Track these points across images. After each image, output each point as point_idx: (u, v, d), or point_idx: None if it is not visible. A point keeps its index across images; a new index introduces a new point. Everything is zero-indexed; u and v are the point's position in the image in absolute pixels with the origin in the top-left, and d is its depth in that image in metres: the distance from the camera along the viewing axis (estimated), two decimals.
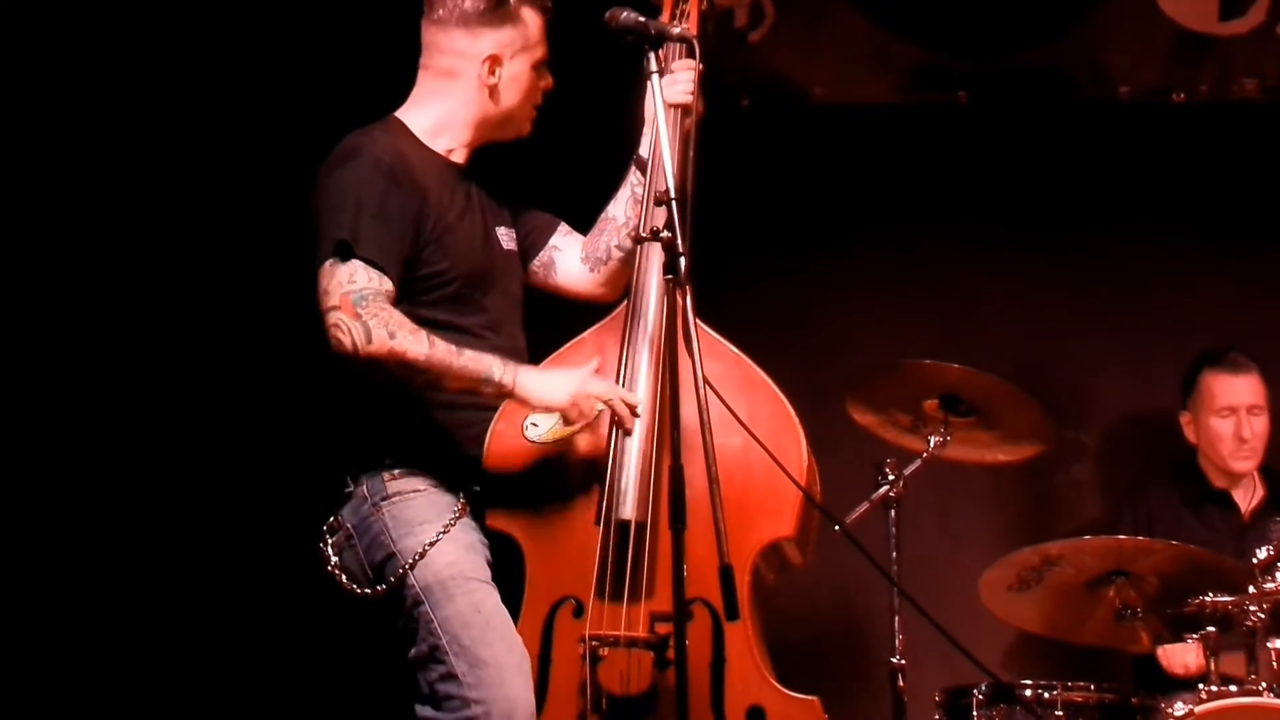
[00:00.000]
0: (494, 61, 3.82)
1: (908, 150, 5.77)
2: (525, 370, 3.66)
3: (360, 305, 3.52)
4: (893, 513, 4.79)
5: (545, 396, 3.64)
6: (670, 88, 3.81)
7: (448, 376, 3.58)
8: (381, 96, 3.93)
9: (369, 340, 3.51)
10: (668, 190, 3.39)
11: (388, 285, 3.58)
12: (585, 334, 3.87)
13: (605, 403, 3.67)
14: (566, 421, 3.67)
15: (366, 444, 3.72)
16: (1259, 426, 5.21)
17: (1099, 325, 5.75)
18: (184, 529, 5.38)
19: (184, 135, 5.50)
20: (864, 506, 4.75)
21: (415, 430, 3.70)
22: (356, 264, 3.55)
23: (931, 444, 4.79)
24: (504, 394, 3.63)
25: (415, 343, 3.54)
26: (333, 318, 3.53)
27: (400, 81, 3.94)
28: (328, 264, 3.57)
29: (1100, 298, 5.76)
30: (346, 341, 3.52)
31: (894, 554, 4.76)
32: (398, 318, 3.55)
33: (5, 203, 5.40)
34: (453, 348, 3.58)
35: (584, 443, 3.72)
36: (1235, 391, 5.20)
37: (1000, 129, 5.78)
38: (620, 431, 3.69)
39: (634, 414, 3.67)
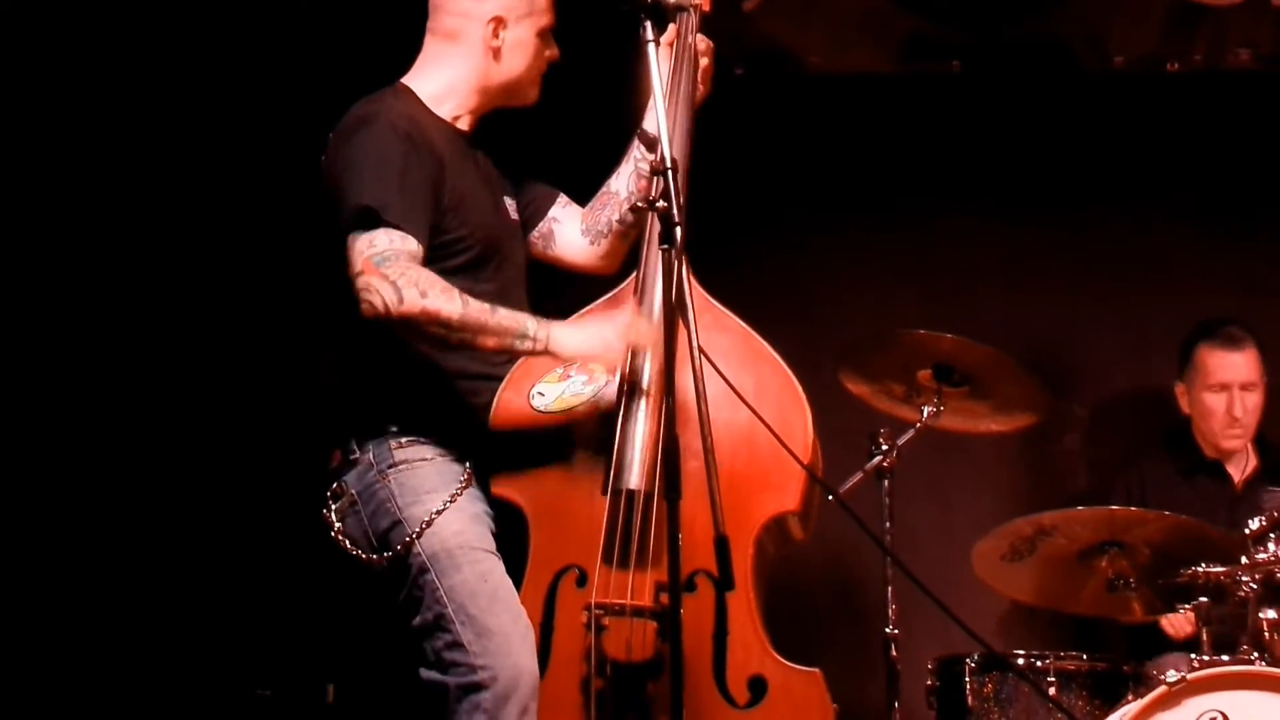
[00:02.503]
0: (498, 23, 3.80)
1: (902, 120, 5.77)
2: (557, 325, 3.64)
3: (384, 266, 3.51)
4: (886, 483, 4.81)
5: (578, 348, 3.62)
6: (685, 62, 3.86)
7: (484, 333, 3.56)
8: (372, 74, 3.91)
9: (400, 300, 3.50)
10: (663, 159, 3.38)
11: (412, 245, 3.56)
12: (594, 305, 3.85)
13: (633, 340, 3.64)
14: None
15: (372, 411, 3.71)
16: (1251, 403, 5.18)
17: (1093, 295, 5.76)
18: (191, 495, 5.38)
19: (172, 106, 5.48)
20: (857, 476, 4.77)
21: (422, 398, 3.69)
22: (379, 230, 3.54)
23: (925, 414, 4.81)
24: (539, 350, 3.61)
25: (448, 301, 3.52)
26: (360, 283, 3.51)
27: (390, 55, 3.93)
28: (352, 233, 3.55)
29: (1094, 268, 5.77)
30: (378, 303, 3.50)
31: (887, 524, 4.79)
32: (428, 276, 3.53)
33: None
34: (485, 305, 3.57)
35: (590, 413, 3.72)
36: (1230, 368, 5.18)
37: (994, 99, 5.78)
38: (631, 397, 3.68)
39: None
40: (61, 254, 5.42)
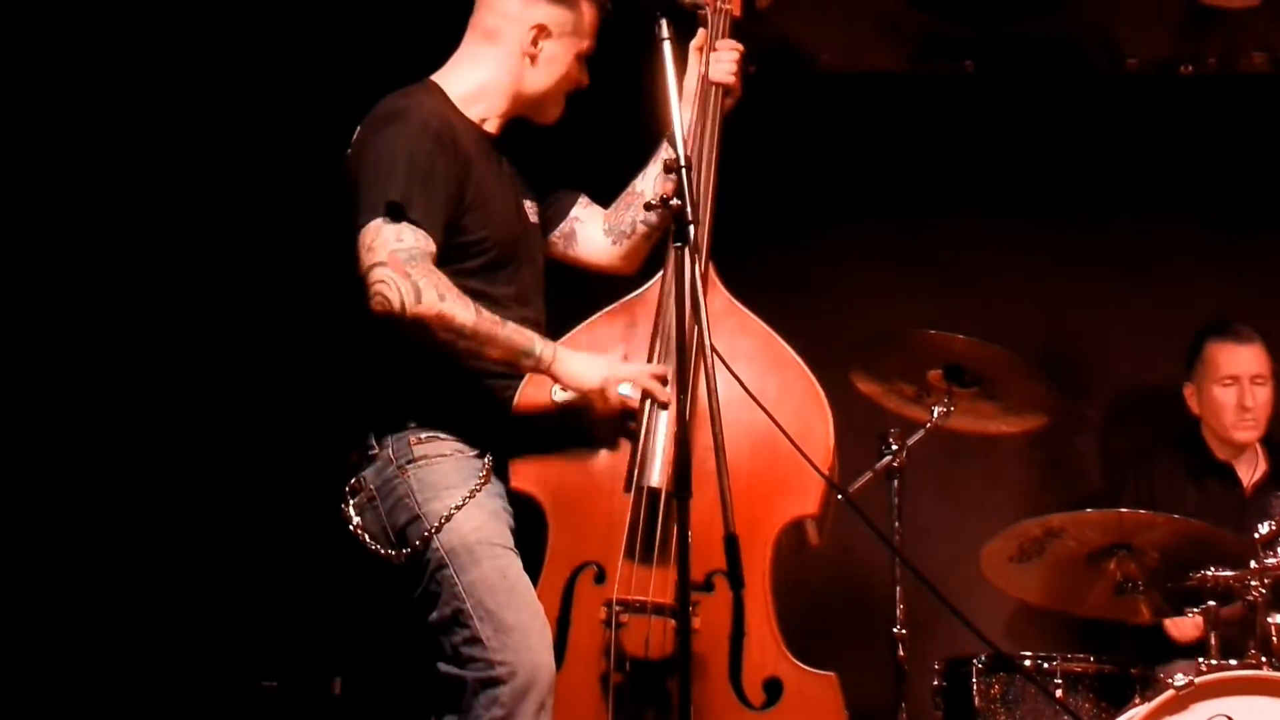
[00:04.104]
0: (540, 31, 3.80)
1: (914, 119, 5.76)
2: (564, 349, 3.65)
3: (410, 265, 3.50)
4: (895, 483, 4.81)
5: (578, 378, 3.63)
6: (714, 65, 3.90)
7: (491, 345, 3.57)
8: (393, 67, 3.91)
9: (418, 300, 3.49)
10: (678, 158, 3.38)
11: (432, 248, 3.55)
12: (616, 305, 3.87)
13: (635, 384, 3.65)
14: (592, 410, 3.66)
15: (391, 406, 3.70)
16: (1262, 396, 5.22)
17: (1104, 297, 5.76)
18: (200, 489, 5.38)
19: (194, 100, 5.48)
20: (867, 476, 4.77)
21: (442, 394, 3.69)
22: (405, 225, 3.52)
23: (935, 414, 4.81)
24: (541, 369, 3.62)
25: (463, 308, 3.52)
26: (379, 274, 3.49)
27: (409, 51, 3.93)
28: (376, 221, 3.53)
29: (1105, 269, 5.77)
30: (394, 299, 3.48)
31: (896, 524, 4.78)
32: (446, 281, 3.53)
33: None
34: (496, 318, 3.57)
35: (610, 407, 3.70)
36: (1239, 361, 5.21)
37: (1007, 99, 5.77)
38: (656, 405, 3.68)
39: (665, 383, 3.65)
40: (87, 252, 5.42)
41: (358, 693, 5.15)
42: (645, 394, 3.68)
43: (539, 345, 3.61)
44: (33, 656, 5.22)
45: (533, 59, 3.81)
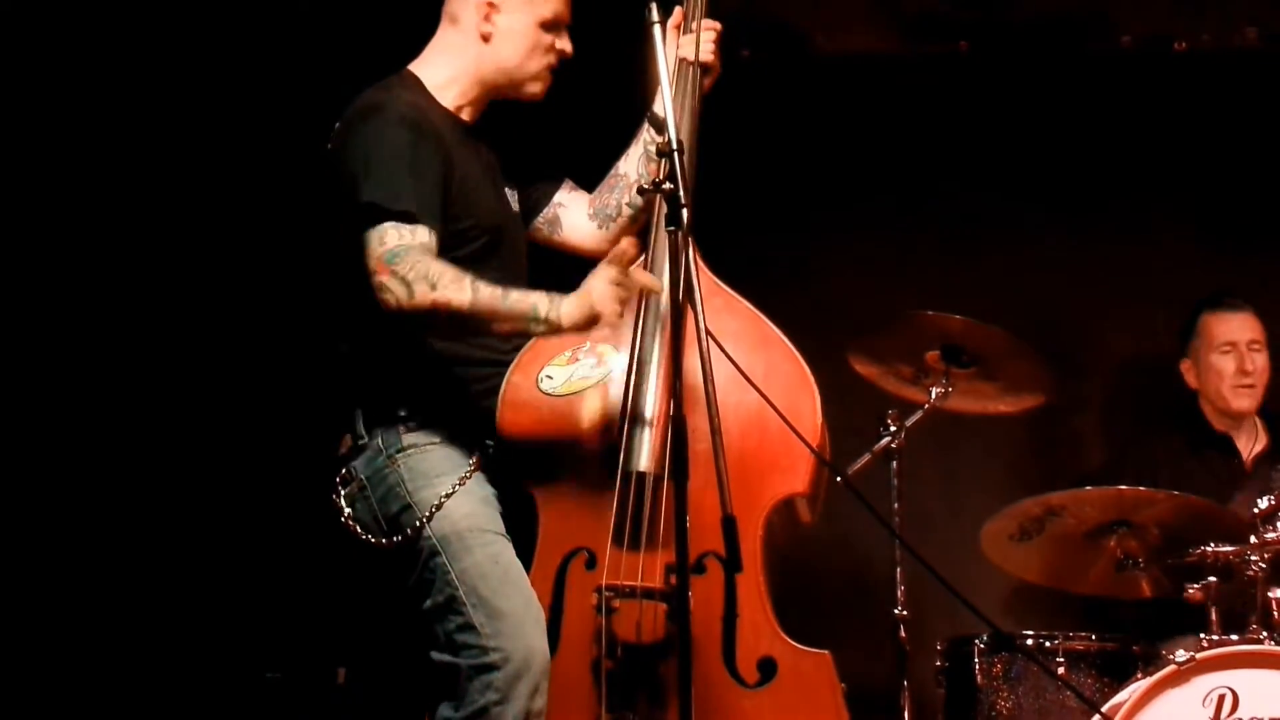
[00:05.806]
0: (490, 7, 3.78)
1: (909, 100, 5.76)
2: (565, 301, 3.57)
3: (394, 263, 3.51)
4: (894, 464, 4.82)
5: (584, 317, 3.54)
6: (690, 45, 3.86)
7: (496, 320, 3.55)
8: (374, 60, 3.90)
9: (411, 295, 3.49)
10: (669, 142, 3.38)
11: (423, 236, 3.55)
12: None
13: (624, 286, 3.57)
14: (609, 321, 3.59)
15: (381, 396, 3.71)
16: (1260, 361, 5.22)
17: (1099, 275, 5.76)
18: (201, 481, 5.40)
19: (179, 93, 5.48)
20: (866, 458, 4.78)
21: (430, 383, 3.70)
22: (387, 225, 3.53)
23: (933, 395, 4.82)
24: (553, 329, 3.57)
25: (458, 291, 3.51)
26: (376, 281, 3.52)
27: (392, 43, 3.92)
28: (366, 232, 3.55)
29: (1100, 248, 5.77)
30: (391, 300, 3.51)
31: (896, 505, 4.80)
32: (438, 267, 3.52)
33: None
34: (497, 290, 3.54)
35: (598, 395, 3.72)
36: (1234, 328, 5.22)
37: (1002, 79, 5.77)
38: (636, 379, 3.68)
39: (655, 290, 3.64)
40: (80, 248, 5.43)
41: (361, 682, 5.15)
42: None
43: (543, 307, 3.55)
44: (39, 650, 5.24)
45: (486, 37, 3.79)
